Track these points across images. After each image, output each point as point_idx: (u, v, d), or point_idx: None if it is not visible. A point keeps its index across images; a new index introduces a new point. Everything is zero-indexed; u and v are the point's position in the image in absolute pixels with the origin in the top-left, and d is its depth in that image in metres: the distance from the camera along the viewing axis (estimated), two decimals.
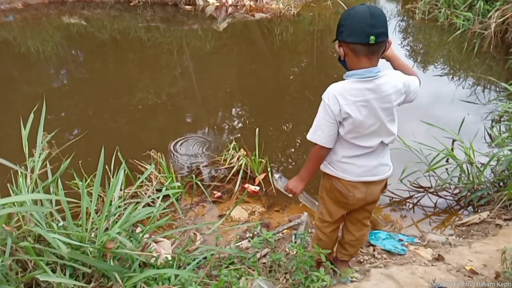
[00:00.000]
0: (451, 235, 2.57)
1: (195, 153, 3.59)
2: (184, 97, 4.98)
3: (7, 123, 3.94)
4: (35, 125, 1.98)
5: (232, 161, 3.21)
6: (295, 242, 2.28)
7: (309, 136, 1.58)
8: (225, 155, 3.29)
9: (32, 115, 1.99)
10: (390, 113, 1.53)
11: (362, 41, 1.38)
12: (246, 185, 3.03)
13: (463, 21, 6.54)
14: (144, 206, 2.02)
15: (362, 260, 2.28)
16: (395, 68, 1.63)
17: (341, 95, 1.46)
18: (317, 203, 1.88)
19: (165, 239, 2.20)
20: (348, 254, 2.01)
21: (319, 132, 1.54)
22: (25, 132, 1.91)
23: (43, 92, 4.66)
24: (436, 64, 5.97)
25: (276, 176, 1.92)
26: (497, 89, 4.79)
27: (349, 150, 1.59)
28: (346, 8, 1.51)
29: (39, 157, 1.89)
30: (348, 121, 1.50)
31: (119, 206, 1.91)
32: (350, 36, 1.41)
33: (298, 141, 3.83)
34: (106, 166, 2.11)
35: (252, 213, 2.81)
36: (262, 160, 3.13)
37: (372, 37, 1.36)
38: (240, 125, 4.17)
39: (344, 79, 1.52)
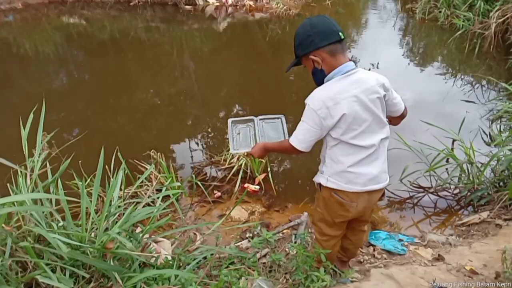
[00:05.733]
0: (451, 235, 2.57)
1: (195, 153, 3.59)
2: (184, 97, 4.98)
3: (6, 123, 3.94)
4: (35, 125, 1.98)
5: (232, 161, 3.21)
6: (295, 242, 2.28)
7: (290, 139, 1.61)
8: (225, 155, 3.28)
9: (31, 115, 1.98)
10: (380, 104, 1.54)
11: (336, 39, 1.47)
12: (246, 185, 3.03)
13: (463, 21, 6.54)
14: (144, 206, 2.01)
15: (362, 260, 2.28)
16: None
17: (328, 98, 1.46)
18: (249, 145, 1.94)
19: (165, 239, 2.20)
20: (346, 256, 2.03)
21: (300, 137, 1.57)
22: (25, 132, 1.91)
23: (42, 92, 4.66)
24: (436, 64, 5.97)
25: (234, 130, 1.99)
26: (497, 89, 4.79)
27: (352, 156, 1.55)
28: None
29: (38, 157, 1.88)
30: (341, 121, 1.48)
31: (119, 206, 1.91)
32: (324, 39, 1.47)
33: None
34: (106, 166, 2.10)
35: (252, 213, 2.81)
36: (262, 160, 3.13)
37: (340, 33, 1.48)
38: None
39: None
